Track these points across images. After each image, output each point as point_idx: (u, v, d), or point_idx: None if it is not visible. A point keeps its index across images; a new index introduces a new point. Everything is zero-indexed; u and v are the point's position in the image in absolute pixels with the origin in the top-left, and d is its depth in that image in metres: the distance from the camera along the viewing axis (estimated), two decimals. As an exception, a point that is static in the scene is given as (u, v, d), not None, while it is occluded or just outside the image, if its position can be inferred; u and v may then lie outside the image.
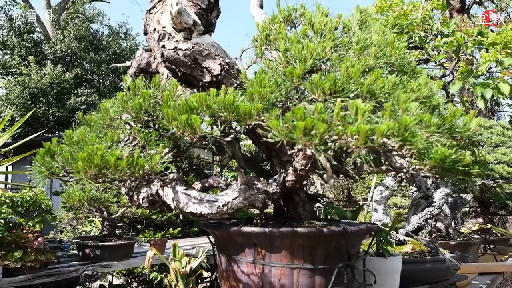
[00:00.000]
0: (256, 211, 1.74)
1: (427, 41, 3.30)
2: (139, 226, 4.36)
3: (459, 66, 3.31)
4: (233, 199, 1.39)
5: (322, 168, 1.44)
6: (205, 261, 3.44)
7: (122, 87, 16.69)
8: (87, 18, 15.17)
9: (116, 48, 15.08)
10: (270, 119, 1.13)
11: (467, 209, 4.48)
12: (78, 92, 13.45)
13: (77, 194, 1.65)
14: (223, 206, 1.37)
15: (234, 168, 1.48)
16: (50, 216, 2.85)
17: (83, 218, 4.75)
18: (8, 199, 2.82)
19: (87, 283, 4.53)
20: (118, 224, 3.58)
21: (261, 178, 1.50)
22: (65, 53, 14.23)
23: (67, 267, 3.04)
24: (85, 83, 14.48)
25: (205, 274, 3.35)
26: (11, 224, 2.90)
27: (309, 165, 1.32)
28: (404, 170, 1.25)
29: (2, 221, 2.71)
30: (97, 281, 4.65)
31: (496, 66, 2.88)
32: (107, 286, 3.36)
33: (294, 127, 0.92)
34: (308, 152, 1.11)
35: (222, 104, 1.11)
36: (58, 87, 12.99)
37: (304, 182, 1.86)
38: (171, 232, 4.47)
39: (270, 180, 1.49)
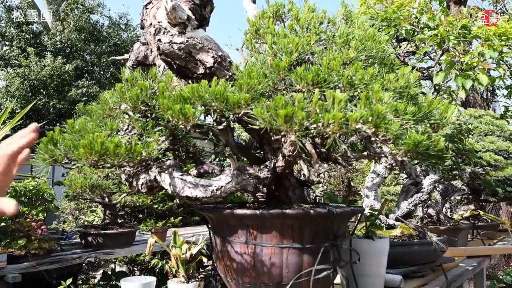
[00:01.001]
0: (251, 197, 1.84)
1: (414, 34, 3.39)
2: (140, 216, 4.48)
3: (439, 62, 3.40)
4: (226, 184, 1.48)
5: (309, 154, 1.54)
6: (205, 248, 3.56)
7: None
8: (86, 9, 15.19)
9: (116, 39, 15.13)
10: (257, 108, 1.23)
11: (459, 196, 4.60)
12: (78, 83, 13.53)
13: (79, 181, 1.74)
14: (216, 190, 1.47)
15: (227, 155, 1.57)
16: (52, 205, 2.96)
17: (85, 208, 4.86)
18: (11, 189, 2.92)
19: (91, 272, 4.66)
20: (120, 213, 3.69)
21: (254, 165, 1.60)
22: (65, 45, 14.29)
23: (70, 254, 3.15)
24: (86, 75, 14.55)
25: (205, 261, 3.47)
26: (15, 213, 3.01)
27: (296, 151, 1.41)
28: (383, 155, 1.35)
29: (7, 209, 2.82)
30: (100, 270, 4.78)
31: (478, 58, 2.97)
32: (110, 273, 3.48)
33: (277, 115, 1.02)
34: (292, 138, 1.21)
35: (213, 95, 1.20)
36: (58, 79, 13.07)
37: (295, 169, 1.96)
38: (172, 221, 4.59)
39: (262, 166, 1.59)
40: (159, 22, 1.51)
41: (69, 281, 2.99)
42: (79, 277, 4.07)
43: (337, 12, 1.57)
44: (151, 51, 1.62)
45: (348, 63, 1.31)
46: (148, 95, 1.36)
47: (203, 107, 1.25)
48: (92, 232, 3.28)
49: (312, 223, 1.52)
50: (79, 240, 3.60)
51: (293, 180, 1.70)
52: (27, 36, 14.20)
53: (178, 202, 5.02)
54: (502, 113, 6.86)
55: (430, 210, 3.42)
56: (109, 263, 4.87)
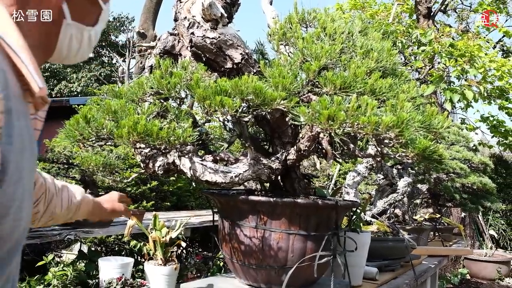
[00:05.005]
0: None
1: (406, 47, 3.64)
2: (113, 197, 4.49)
3: (431, 74, 3.67)
4: (244, 171, 1.61)
5: (321, 151, 1.69)
6: (182, 233, 3.65)
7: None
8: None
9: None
10: (289, 105, 1.37)
11: (419, 200, 4.93)
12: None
13: (93, 159, 1.79)
14: (235, 177, 1.60)
15: (247, 145, 1.70)
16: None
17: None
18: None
19: (57, 251, 4.63)
20: (100, 194, 3.71)
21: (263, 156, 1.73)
22: (29, 17, 13.67)
23: (50, 231, 3.15)
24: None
25: (183, 245, 3.56)
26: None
27: (312, 147, 1.56)
28: (391, 156, 1.52)
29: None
30: (66, 249, 4.75)
31: (463, 73, 3.24)
32: (86, 252, 3.50)
33: (319, 114, 1.16)
34: (322, 135, 1.35)
35: (252, 90, 1.33)
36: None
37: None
38: (145, 205, 4.62)
39: (273, 158, 1.73)
40: (193, 17, 1.61)
41: (50, 257, 3.00)
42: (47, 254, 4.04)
43: (353, 24, 1.72)
44: (178, 42, 1.71)
45: (369, 72, 1.47)
46: (184, 84, 1.46)
47: (239, 100, 1.36)
48: (72, 210, 3.29)
49: (318, 213, 1.67)
50: (55, 218, 3.59)
51: (299, 173, 1.85)
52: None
53: (150, 187, 5.06)
54: (460, 123, 7.35)
55: (397, 210, 3.68)
56: (74, 243, 4.85)
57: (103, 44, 16.05)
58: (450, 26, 6.89)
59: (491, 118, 7.13)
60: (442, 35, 5.40)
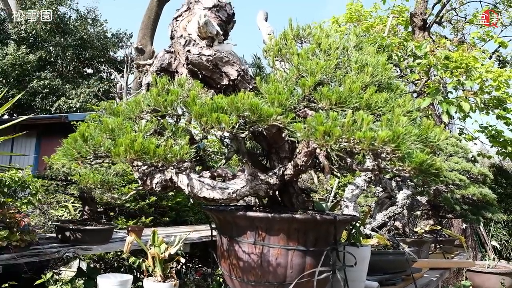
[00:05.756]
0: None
1: (402, 60, 3.67)
2: (111, 213, 4.48)
3: (428, 86, 3.69)
4: (242, 187, 1.61)
5: (318, 165, 1.69)
6: (181, 249, 3.63)
7: (85, 73, 16.50)
8: (55, 0, 14.77)
9: (83, 34, 14.78)
10: (285, 121, 1.37)
11: (419, 212, 4.91)
12: (41, 75, 13.09)
13: (91, 176, 1.79)
14: (233, 193, 1.59)
15: (244, 161, 1.70)
16: (37, 198, 2.95)
17: (55, 202, 4.78)
18: (-5, 179, 2.88)
19: (55, 268, 4.60)
20: (99, 210, 3.70)
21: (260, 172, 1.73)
22: (30, 34, 13.79)
23: (48, 248, 3.13)
24: (48, 67, 14.10)
25: (182, 261, 3.54)
26: (-5, 204, 2.96)
27: (310, 162, 1.56)
28: (389, 170, 1.52)
29: (-11, 200, 2.78)
30: (64, 266, 4.72)
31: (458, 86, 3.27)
32: (85, 269, 3.47)
33: (315, 130, 1.16)
34: (318, 150, 1.36)
35: (248, 106, 1.33)
36: (20, 69, 12.60)
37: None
38: (143, 220, 4.61)
39: (270, 173, 1.73)
40: (189, 34, 1.62)
41: (49, 275, 2.98)
42: (45, 271, 4.01)
43: (348, 39, 1.74)
44: (175, 59, 1.73)
45: (364, 87, 1.48)
46: (181, 101, 1.47)
47: (236, 117, 1.37)
48: (70, 227, 3.27)
49: (317, 228, 1.67)
50: (53, 235, 3.57)
51: (296, 187, 1.85)
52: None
53: (149, 202, 5.04)
54: (458, 134, 7.37)
55: (397, 223, 3.67)
56: (72, 260, 4.82)
57: (102, 60, 16.16)
58: (446, 38, 6.94)
59: (490, 128, 7.14)
60: (438, 46, 5.43)
